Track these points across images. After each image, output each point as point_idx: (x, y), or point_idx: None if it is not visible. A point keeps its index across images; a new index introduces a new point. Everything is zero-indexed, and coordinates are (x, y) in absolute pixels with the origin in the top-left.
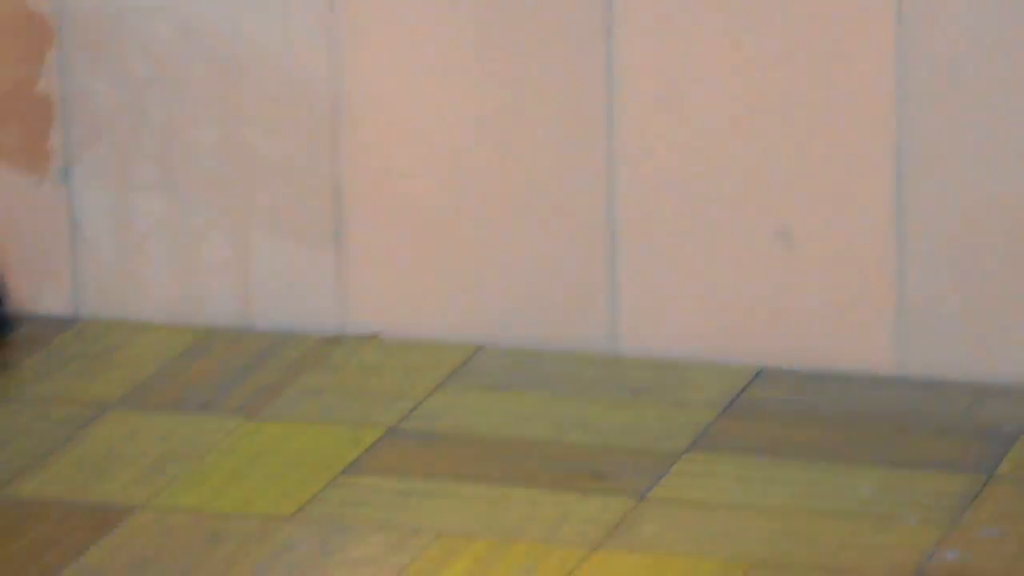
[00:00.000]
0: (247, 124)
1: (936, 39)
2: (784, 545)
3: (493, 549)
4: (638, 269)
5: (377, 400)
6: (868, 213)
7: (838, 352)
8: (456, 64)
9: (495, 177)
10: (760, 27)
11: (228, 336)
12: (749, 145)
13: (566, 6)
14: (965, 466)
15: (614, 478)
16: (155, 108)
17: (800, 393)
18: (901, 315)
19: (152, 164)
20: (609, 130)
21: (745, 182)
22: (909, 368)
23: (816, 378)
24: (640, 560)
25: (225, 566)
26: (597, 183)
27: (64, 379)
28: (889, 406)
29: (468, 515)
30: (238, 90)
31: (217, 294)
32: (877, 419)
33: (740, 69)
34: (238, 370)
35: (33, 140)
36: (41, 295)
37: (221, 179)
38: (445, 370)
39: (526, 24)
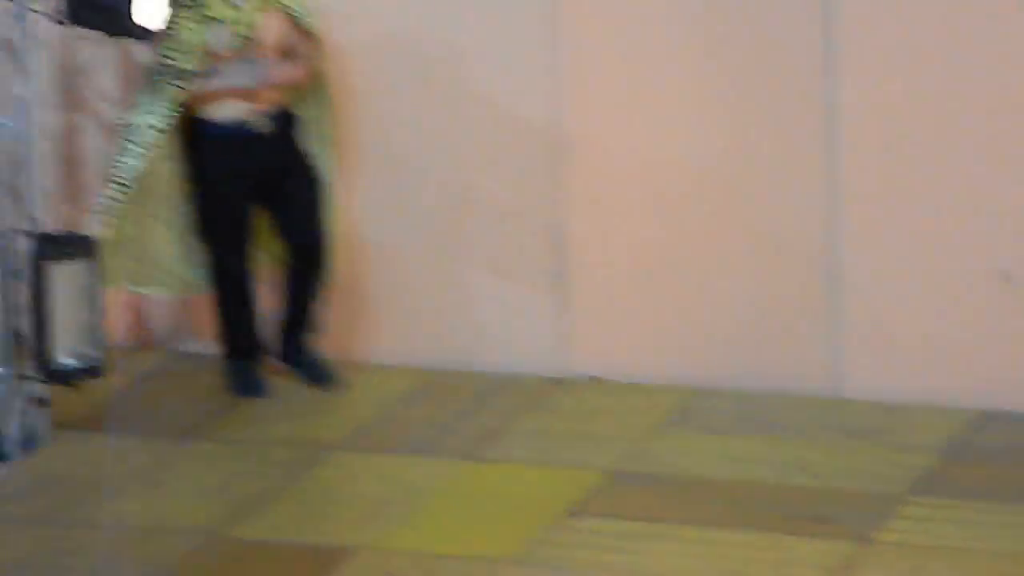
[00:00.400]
0: (469, 167)
1: None
2: None
3: None
4: (860, 312)
5: (598, 443)
6: None
7: None
8: (676, 110)
9: (715, 220)
10: (979, 75)
11: (449, 378)
12: (973, 188)
13: (786, 51)
14: None
15: (837, 522)
16: (371, 145)
17: None
18: None
19: (375, 209)
20: (831, 173)
21: (969, 225)
22: None
23: None
24: None
25: None
26: (818, 226)
27: (285, 422)
28: None
29: (691, 558)
30: (461, 133)
31: (439, 336)
32: None
33: (962, 114)
34: (459, 412)
35: None
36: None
37: (443, 221)
38: (665, 413)
39: (746, 69)
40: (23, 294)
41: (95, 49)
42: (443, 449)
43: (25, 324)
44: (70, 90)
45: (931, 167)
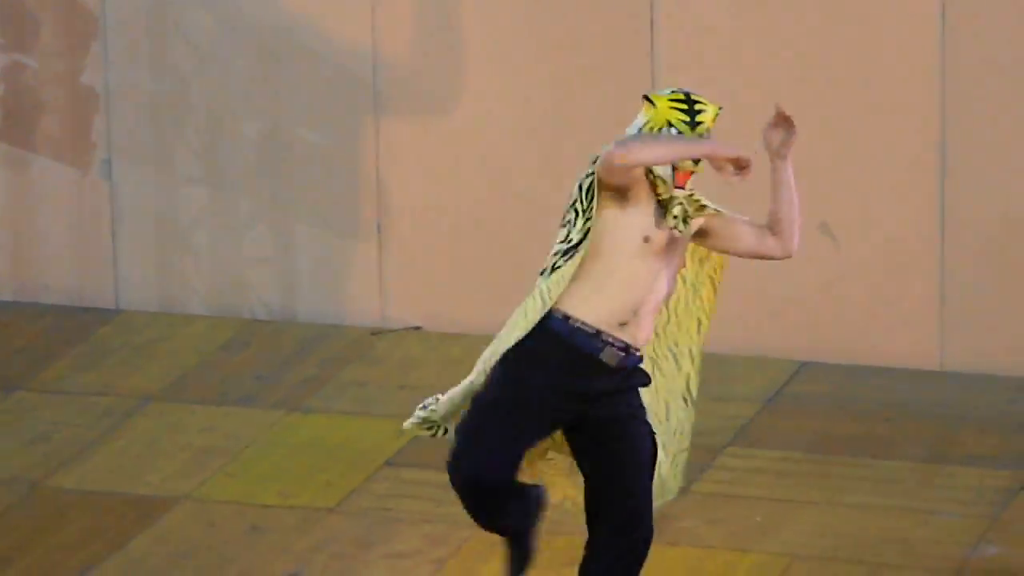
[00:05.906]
0: (291, 117)
1: (979, 43)
2: (825, 540)
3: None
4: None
5: (419, 393)
6: (912, 210)
7: (881, 347)
8: (502, 63)
9: (540, 174)
10: (794, 25)
11: (270, 329)
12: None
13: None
14: (1007, 461)
15: None
16: (198, 101)
17: (842, 388)
18: (943, 310)
19: (195, 157)
20: None
21: None
22: (952, 363)
23: (859, 373)
24: (678, 552)
25: (266, 558)
26: None
27: (106, 371)
28: (931, 401)
29: None
30: (282, 83)
31: (259, 287)
32: (919, 414)
33: (775, 64)
34: (280, 363)
35: (77, 132)
36: (83, 287)
37: (264, 172)
38: None
39: (570, 28)
40: None
41: None
42: (263, 400)
43: None
44: None
45: (757, 122)
